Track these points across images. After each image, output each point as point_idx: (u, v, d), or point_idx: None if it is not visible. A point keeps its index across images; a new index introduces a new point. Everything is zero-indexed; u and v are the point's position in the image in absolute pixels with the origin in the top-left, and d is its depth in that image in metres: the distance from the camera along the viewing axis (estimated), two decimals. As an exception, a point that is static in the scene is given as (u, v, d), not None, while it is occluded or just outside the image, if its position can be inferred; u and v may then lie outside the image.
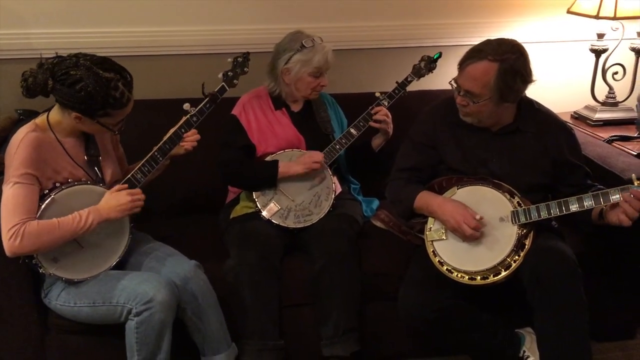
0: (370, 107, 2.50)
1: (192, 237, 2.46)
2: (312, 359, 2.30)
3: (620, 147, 2.74)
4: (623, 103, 3.10)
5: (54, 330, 2.11)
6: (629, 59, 3.06)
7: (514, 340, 2.29)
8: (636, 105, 2.95)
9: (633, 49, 3.02)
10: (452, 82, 2.15)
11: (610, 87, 3.09)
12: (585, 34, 3.08)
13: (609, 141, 2.81)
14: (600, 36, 2.99)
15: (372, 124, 2.46)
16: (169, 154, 2.12)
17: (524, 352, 2.27)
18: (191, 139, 2.15)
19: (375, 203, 2.62)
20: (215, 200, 2.63)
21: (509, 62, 2.01)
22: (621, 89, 3.09)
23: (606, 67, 3.05)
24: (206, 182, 2.65)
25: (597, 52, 3.01)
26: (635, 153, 2.65)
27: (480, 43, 2.09)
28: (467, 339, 2.23)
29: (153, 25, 2.76)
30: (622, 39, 2.97)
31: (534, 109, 2.22)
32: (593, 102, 3.11)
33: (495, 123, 2.18)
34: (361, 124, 2.47)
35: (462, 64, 2.08)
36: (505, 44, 2.05)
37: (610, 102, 3.09)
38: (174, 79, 2.81)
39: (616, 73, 3.09)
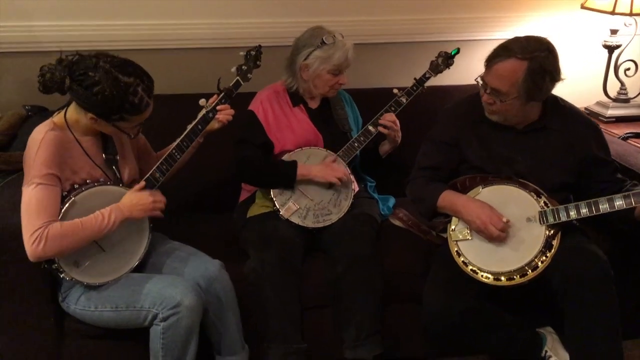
0: (388, 104, 2.45)
1: (207, 236, 2.40)
2: (334, 361, 2.27)
3: (636, 144, 2.73)
4: (634, 99, 3.09)
5: (71, 335, 2.05)
6: (641, 55, 3.06)
7: (536, 340, 2.27)
8: (650, 102, 2.95)
9: (645, 45, 3.02)
10: (479, 80, 2.11)
11: (622, 84, 3.08)
12: (598, 30, 3.06)
13: (624, 138, 2.80)
14: (614, 32, 2.97)
15: (380, 129, 2.39)
16: (192, 144, 2.06)
17: (546, 352, 2.26)
18: (226, 112, 2.10)
19: (392, 201, 2.57)
20: (227, 198, 2.57)
21: (538, 60, 1.98)
22: (633, 85, 3.08)
23: (619, 63, 3.04)
24: (219, 179, 2.60)
25: (610, 48, 2.99)
26: (652, 151, 2.64)
27: (508, 40, 2.05)
28: (490, 339, 2.21)
29: (161, 18, 2.68)
30: (635, 35, 2.95)
31: (560, 105, 2.19)
32: (605, 99, 3.10)
33: (521, 121, 2.15)
34: (379, 121, 2.42)
35: (490, 62, 2.04)
36: (534, 42, 2.01)
37: (622, 99, 3.08)
38: (184, 73, 2.74)
39: (628, 69, 3.08)
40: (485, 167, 2.20)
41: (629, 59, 3.05)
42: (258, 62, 2.23)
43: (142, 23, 2.66)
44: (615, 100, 3.08)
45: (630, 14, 2.78)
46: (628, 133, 2.82)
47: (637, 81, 3.08)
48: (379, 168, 2.58)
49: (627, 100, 3.08)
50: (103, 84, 1.74)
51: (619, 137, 2.79)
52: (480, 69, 2.97)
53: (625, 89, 3.08)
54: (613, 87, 3.09)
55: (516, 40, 2.03)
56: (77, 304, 1.93)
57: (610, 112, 3.04)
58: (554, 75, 2.02)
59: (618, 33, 2.96)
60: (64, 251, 1.79)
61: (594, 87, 3.11)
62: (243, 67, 2.20)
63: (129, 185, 1.99)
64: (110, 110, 1.78)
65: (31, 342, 2.01)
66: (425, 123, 2.62)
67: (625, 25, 2.95)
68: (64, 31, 2.60)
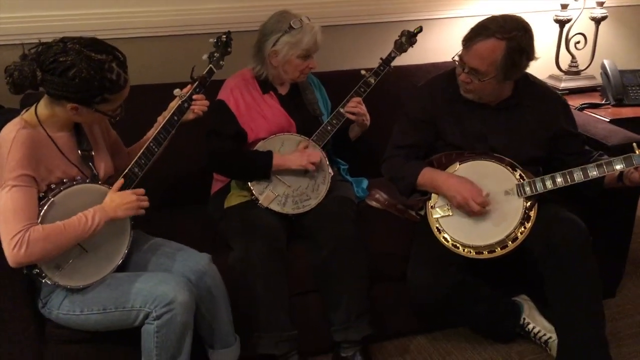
0: (357, 86, 2.45)
1: (183, 230, 2.34)
2: (321, 345, 2.27)
3: (592, 114, 2.84)
4: (584, 71, 3.21)
5: (52, 341, 1.96)
6: (590, 28, 3.16)
7: (514, 309, 2.35)
8: (600, 74, 3.06)
9: (593, 19, 3.13)
10: (456, 59, 2.13)
11: (573, 57, 3.19)
12: (548, 5, 3.14)
13: (580, 109, 2.90)
14: (564, 7, 3.06)
15: (348, 115, 2.38)
16: (169, 136, 2.01)
17: (524, 319, 2.35)
18: (201, 103, 2.04)
19: (365, 182, 2.58)
20: (199, 189, 2.51)
21: (516, 39, 2.02)
22: (582, 58, 3.20)
23: (569, 37, 3.14)
24: (189, 170, 2.54)
25: (561, 23, 3.09)
26: (608, 120, 2.75)
27: (486, 19, 2.07)
28: (472, 312, 2.27)
29: (124, 5, 2.57)
30: (583, 9, 3.06)
31: (530, 82, 2.25)
32: (557, 72, 3.21)
33: (495, 99, 2.19)
34: (345, 109, 2.41)
35: (469, 42, 2.06)
36: (512, 21, 2.05)
37: (574, 71, 3.19)
38: (149, 62, 2.64)
39: (578, 42, 3.19)
40: (461, 143, 2.24)
41: (579, 32, 3.16)
42: (229, 49, 2.18)
43: (105, 12, 2.55)
44: (567, 72, 3.20)
45: (581, -11, 2.87)
46: (584, 104, 2.93)
47: (586, 54, 3.20)
48: (350, 151, 2.58)
49: (578, 73, 3.20)
50: (78, 65, 1.64)
51: (575, 108, 2.88)
52: (442, 46, 3.04)
53: (576, 62, 3.19)
54: (564, 60, 3.19)
55: (494, 19, 2.06)
56: (61, 309, 1.84)
57: (564, 85, 3.15)
58: (530, 54, 2.07)
59: (568, 8, 3.06)
60: (47, 255, 1.70)
61: (547, 61, 3.20)
62: (215, 54, 2.14)
63: (106, 181, 1.91)
64: (91, 93, 1.69)
65: (11, 352, 1.91)
66: (392, 104, 2.66)
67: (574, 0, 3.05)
68: (25, 23, 2.46)
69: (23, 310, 1.90)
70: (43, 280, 1.77)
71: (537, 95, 2.23)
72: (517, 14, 2.14)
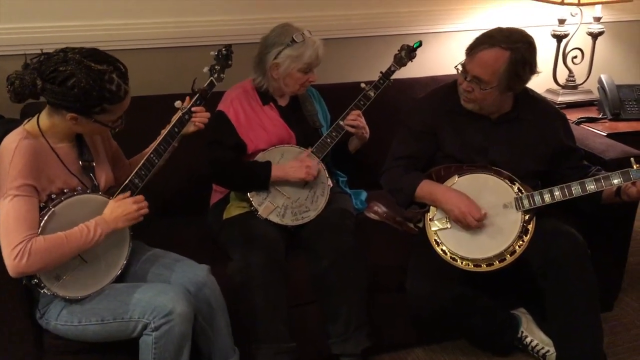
0: (357, 99, 2.46)
1: (182, 240, 2.34)
2: (320, 357, 2.27)
3: (590, 128, 2.86)
4: (582, 86, 3.23)
5: (51, 352, 1.95)
6: (587, 43, 3.19)
7: (513, 322, 2.35)
8: (597, 88, 3.09)
9: (590, 34, 3.16)
10: (459, 67, 2.14)
11: (570, 71, 3.22)
12: (545, 20, 3.18)
13: (578, 123, 2.92)
14: (562, 22, 3.09)
15: (347, 128, 2.39)
16: (169, 147, 2.01)
17: (522, 332, 2.35)
18: (202, 115, 2.05)
19: (363, 194, 2.59)
20: (197, 200, 2.52)
21: (520, 51, 2.04)
22: (580, 72, 3.22)
23: (566, 51, 3.17)
24: (189, 182, 2.54)
25: (559, 37, 3.12)
26: (605, 134, 2.77)
27: (491, 30, 2.10)
28: (470, 324, 2.27)
29: (126, 17, 2.59)
30: (580, 24, 3.09)
31: (530, 96, 2.27)
32: (555, 86, 3.23)
33: (496, 111, 2.21)
34: (345, 122, 2.42)
35: (473, 50, 2.07)
36: (517, 33, 2.07)
37: (571, 85, 3.22)
38: (149, 74, 2.66)
39: (575, 57, 3.21)
40: (460, 156, 2.25)
41: (576, 47, 3.18)
42: (230, 62, 2.19)
43: (107, 23, 2.57)
44: (564, 87, 3.22)
45: (579, 4, 2.90)
46: (581, 118, 2.96)
47: (583, 68, 3.23)
48: (350, 163, 2.59)
49: (575, 87, 3.22)
50: (77, 75, 1.66)
51: (573, 122, 2.90)
52: (441, 60, 3.06)
53: (573, 76, 3.22)
54: (562, 75, 3.22)
55: (499, 30, 2.08)
56: (59, 320, 1.84)
57: (561, 99, 3.17)
58: (533, 67, 2.09)
59: (565, 23, 3.09)
60: (48, 266, 1.71)
61: (544, 75, 3.20)
62: (216, 67, 2.15)
63: (106, 192, 1.92)
64: (90, 103, 1.70)
65: (10, 364, 1.91)
66: (392, 117, 2.67)
67: (571, 15, 3.08)
68: (28, 33, 2.48)
69: (21, 321, 1.89)
70: (42, 291, 1.77)
71: (537, 109, 2.24)
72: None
